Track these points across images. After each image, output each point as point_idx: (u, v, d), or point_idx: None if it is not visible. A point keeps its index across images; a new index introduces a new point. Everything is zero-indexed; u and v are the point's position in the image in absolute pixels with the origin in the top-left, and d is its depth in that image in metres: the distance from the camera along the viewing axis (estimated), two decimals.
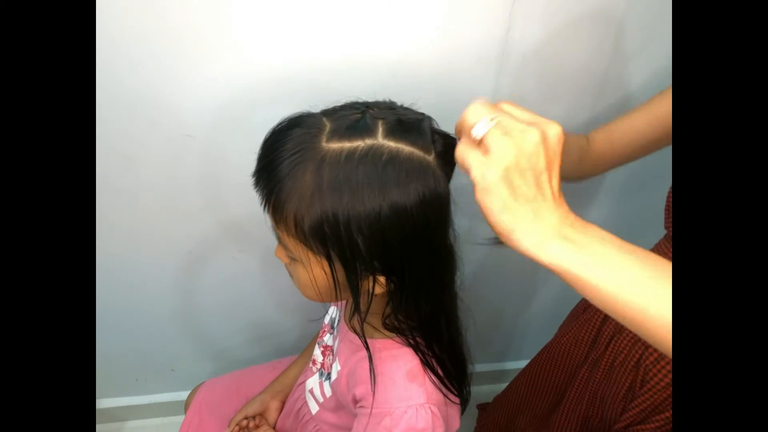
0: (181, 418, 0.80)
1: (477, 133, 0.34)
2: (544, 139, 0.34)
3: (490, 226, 0.35)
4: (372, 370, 0.50)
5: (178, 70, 0.61)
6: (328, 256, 0.41)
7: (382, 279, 0.44)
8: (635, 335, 0.64)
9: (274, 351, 1.07)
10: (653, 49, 0.69)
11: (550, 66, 0.69)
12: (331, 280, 0.44)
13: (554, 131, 0.35)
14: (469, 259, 0.96)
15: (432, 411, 0.49)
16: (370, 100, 0.47)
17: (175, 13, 0.57)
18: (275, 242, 0.52)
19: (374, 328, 0.52)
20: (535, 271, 1.03)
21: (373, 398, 0.50)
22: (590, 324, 0.73)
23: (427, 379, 0.51)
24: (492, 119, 0.34)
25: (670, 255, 0.60)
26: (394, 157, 0.39)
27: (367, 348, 0.51)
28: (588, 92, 0.72)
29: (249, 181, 0.74)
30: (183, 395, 0.88)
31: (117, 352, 1.00)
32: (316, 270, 0.44)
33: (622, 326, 0.65)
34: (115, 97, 0.63)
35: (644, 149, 0.59)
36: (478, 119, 0.35)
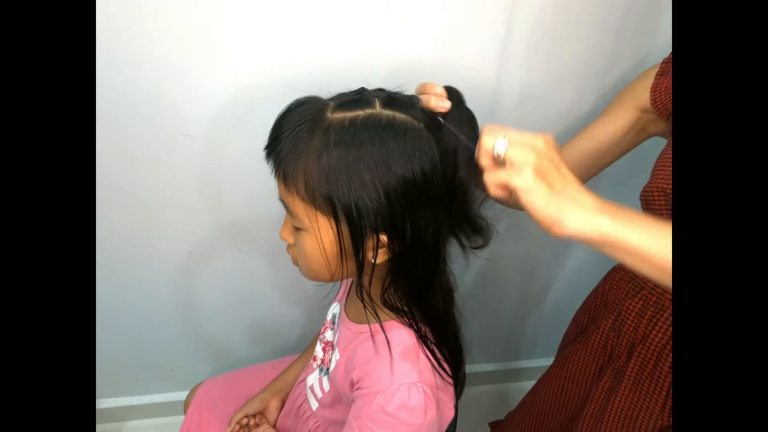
0: (181, 418, 0.80)
1: (500, 149, 0.41)
2: (547, 141, 0.42)
3: (539, 221, 0.41)
4: (387, 340, 0.52)
5: (178, 70, 0.61)
6: (335, 214, 0.45)
7: (384, 238, 0.46)
8: (663, 338, 0.60)
9: (274, 351, 1.07)
10: (655, 35, 0.69)
11: (554, 53, 0.69)
12: (337, 240, 0.46)
13: (548, 137, 0.43)
14: (472, 261, 0.96)
15: (424, 391, 0.50)
16: None
17: (175, 13, 0.57)
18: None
19: (374, 304, 0.53)
20: (532, 275, 1.03)
21: (391, 359, 0.51)
22: (600, 333, 0.68)
23: (420, 359, 0.51)
24: (504, 136, 0.41)
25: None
26: (392, 121, 0.45)
27: (377, 316, 0.52)
28: (593, 74, 0.73)
29: (249, 180, 0.74)
30: (183, 395, 0.88)
31: (117, 352, 1.00)
32: (324, 233, 0.47)
33: (647, 332, 0.61)
34: (115, 98, 0.63)
35: (605, 157, 0.65)
36: (493, 141, 0.42)
